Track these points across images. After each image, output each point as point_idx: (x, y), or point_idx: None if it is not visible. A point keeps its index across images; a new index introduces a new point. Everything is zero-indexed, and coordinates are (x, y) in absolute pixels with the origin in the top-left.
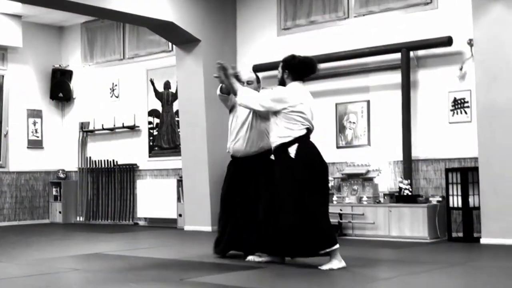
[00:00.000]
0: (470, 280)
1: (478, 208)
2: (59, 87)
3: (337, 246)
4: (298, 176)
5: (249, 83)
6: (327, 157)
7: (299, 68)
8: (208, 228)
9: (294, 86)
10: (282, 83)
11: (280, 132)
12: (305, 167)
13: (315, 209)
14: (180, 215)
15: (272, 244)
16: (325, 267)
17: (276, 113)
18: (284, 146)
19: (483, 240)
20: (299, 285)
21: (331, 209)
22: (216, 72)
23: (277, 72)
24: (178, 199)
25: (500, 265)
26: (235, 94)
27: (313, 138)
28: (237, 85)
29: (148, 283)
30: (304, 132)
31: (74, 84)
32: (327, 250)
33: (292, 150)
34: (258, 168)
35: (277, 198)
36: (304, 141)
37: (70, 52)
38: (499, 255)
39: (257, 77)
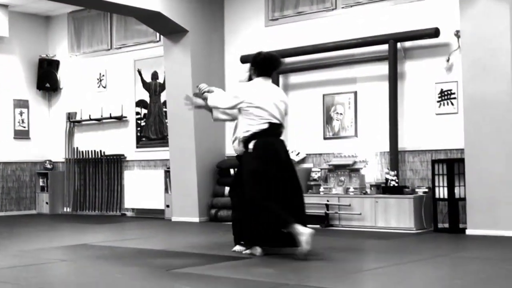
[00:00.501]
0: (455, 270)
1: (464, 199)
2: (46, 77)
3: (255, 250)
4: (250, 169)
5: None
6: (314, 148)
7: (263, 64)
8: (196, 219)
9: (256, 82)
10: (250, 79)
11: (243, 128)
12: (257, 161)
13: (255, 202)
14: (167, 206)
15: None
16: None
17: (239, 109)
18: (246, 141)
19: (468, 231)
20: (285, 275)
21: (318, 200)
22: (188, 101)
23: None
24: (166, 190)
25: (484, 256)
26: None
27: (300, 129)
28: (207, 95)
29: (135, 273)
30: (265, 126)
31: (61, 74)
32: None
33: (251, 145)
34: None
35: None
36: (263, 136)
37: (57, 42)
38: (484, 246)
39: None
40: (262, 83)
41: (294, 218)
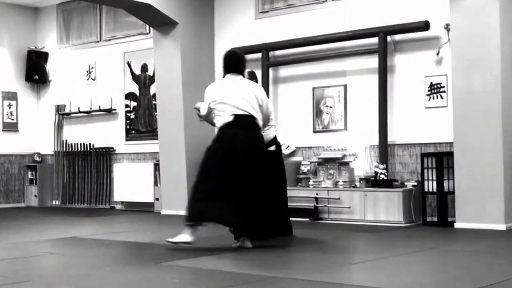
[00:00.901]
0: (443, 263)
1: (453, 193)
2: (35, 69)
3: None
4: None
5: None
6: (304, 142)
7: (226, 62)
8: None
9: (223, 79)
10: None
11: (216, 124)
12: (208, 152)
13: (196, 183)
14: (157, 199)
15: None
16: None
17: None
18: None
19: (457, 225)
20: (274, 268)
21: (307, 193)
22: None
23: (255, 56)
24: (155, 183)
25: (473, 249)
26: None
27: (289, 122)
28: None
29: (124, 266)
30: (230, 119)
31: (50, 66)
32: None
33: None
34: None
35: None
36: (226, 127)
37: (45, 33)
38: (473, 239)
39: (251, 73)
40: (229, 79)
41: (238, 217)
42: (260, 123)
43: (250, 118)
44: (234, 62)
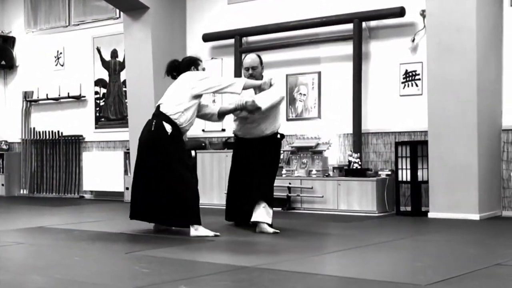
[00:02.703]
0: (416, 253)
1: (427, 182)
2: (1, 54)
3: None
4: None
5: (253, 68)
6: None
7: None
8: None
9: None
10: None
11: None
12: None
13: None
14: (127, 188)
15: None
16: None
17: None
18: None
19: (431, 214)
20: (245, 258)
21: (280, 183)
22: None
23: (228, 42)
24: (125, 172)
25: (446, 239)
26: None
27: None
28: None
29: (93, 256)
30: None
31: (17, 51)
32: None
33: None
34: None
35: None
36: None
37: (12, 17)
38: (446, 229)
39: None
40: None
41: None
42: (169, 108)
43: (158, 107)
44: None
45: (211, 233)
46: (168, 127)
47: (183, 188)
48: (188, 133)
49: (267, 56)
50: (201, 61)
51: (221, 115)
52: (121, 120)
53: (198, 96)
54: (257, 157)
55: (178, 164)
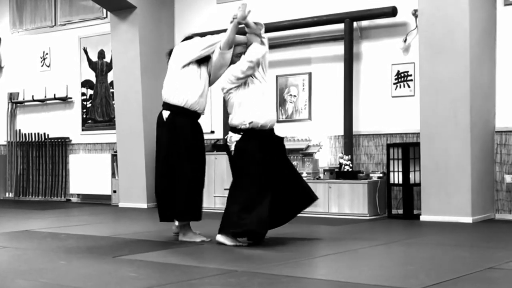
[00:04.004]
0: (407, 256)
1: (419, 185)
2: None
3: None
4: None
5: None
6: None
7: None
8: (144, 205)
9: None
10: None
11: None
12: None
13: None
14: (114, 192)
15: None
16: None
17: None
18: None
19: (423, 217)
20: (234, 262)
21: None
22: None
23: None
24: (113, 175)
25: (438, 242)
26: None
27: None
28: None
29: (80, 260)
30: None
31: (2, 52)
32: None
33: None
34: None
35: None
36: None
37: None
38: (438, 232)
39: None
40: None
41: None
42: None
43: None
44: None
45: (198, 239)
46: None
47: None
48: None
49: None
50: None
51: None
52: (108, 122)
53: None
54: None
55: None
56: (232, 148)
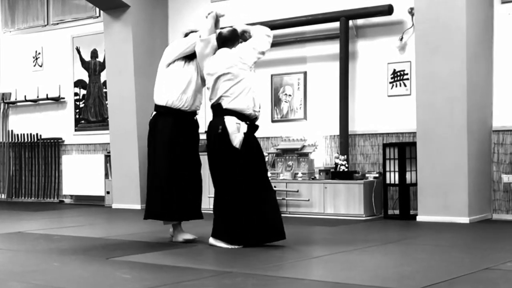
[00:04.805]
0: (404, 257)
1: (416, 185)
2: None
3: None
4: None
5: None
6: (262, 132)
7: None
8: (137, 206)
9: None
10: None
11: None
12: None
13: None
14: (108, 192)
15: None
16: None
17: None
18: None
19: (419, 218)
20: (229, 263)
21: None
22: None
23: None
24: (106, 176)
25: (435, 243)
26: None
27: None
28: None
29: (73, 262)
30: None
31: None
32: None
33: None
34: None
35: None
36: None
37: None
38: (435, 233)
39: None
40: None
41: None
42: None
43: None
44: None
45: (186, 236)
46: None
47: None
48: None
49: None
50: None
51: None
52: (101, 122)
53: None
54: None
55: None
56: (239, 139)
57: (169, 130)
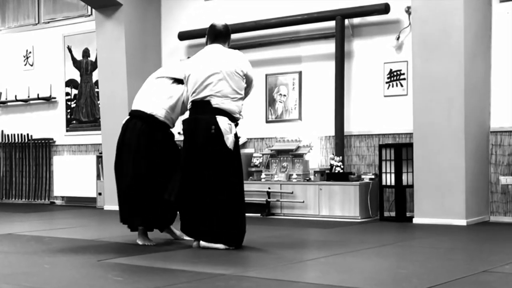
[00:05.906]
0: (400, 260)
1: (412, 186)
2: None
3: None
4: None
5: None
6: (256, 132)
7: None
8: None
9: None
10: None
11: None
12: None
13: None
14: (100, 194)
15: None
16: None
17: None
18: None
19: (415, 220)
20: (222, 266)
21: (259, 187)
22: None
23: (204, 40)
24: (98, 177)
25: (431, 245)
26: None
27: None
28: None
29: (64, 264)
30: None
31: None
32: None
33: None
34: None
35: None
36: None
37: None
38: (431, 235)
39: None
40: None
41: None
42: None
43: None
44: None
45: (141, 242)
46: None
47: None
48: None
49: (245, 55)
50: None
51: None
52: (93, 123)
53: None
54: None
55: None
56: (231, 140)
57: (136, 137)
